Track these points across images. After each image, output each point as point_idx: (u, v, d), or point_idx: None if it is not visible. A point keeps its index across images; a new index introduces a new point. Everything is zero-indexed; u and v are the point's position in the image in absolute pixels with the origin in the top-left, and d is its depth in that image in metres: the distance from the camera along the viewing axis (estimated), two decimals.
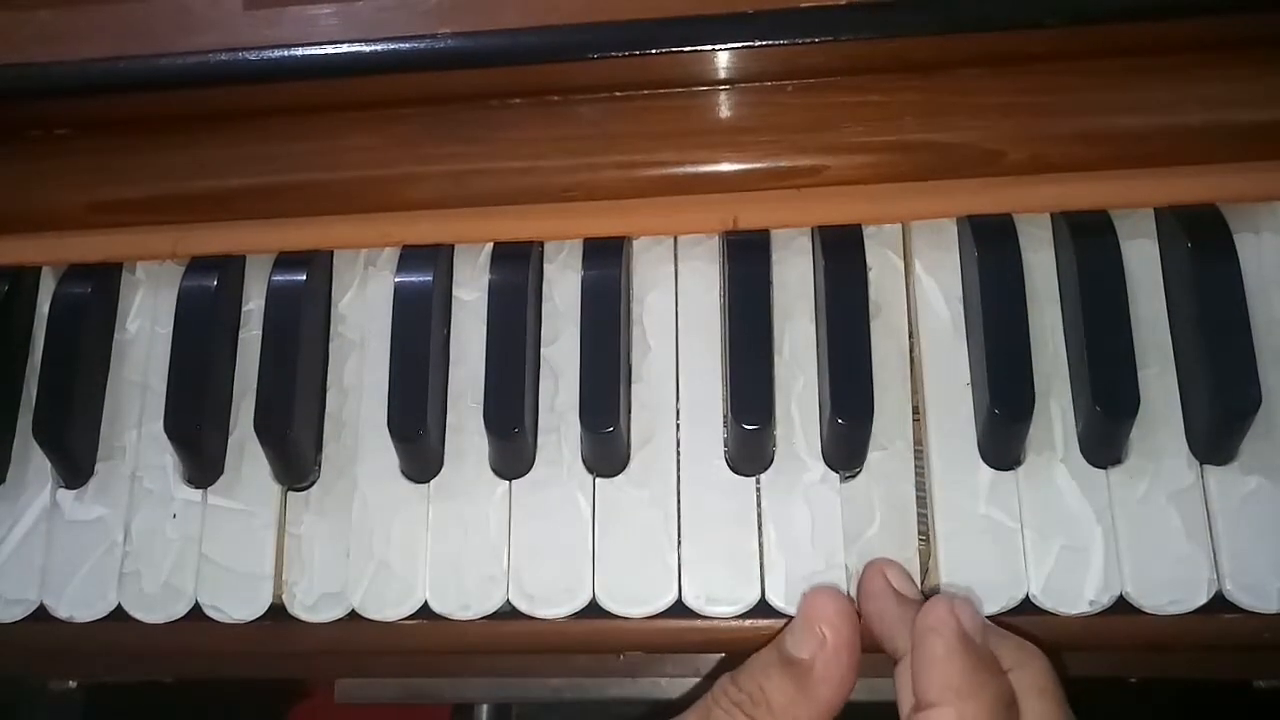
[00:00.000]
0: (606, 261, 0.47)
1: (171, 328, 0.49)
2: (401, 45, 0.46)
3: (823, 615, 0.38)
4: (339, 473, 0.47)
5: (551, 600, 0.44)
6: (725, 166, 0.46)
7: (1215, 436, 0.43)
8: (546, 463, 0.46)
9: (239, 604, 0.46)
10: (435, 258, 0.48)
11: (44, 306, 0.51)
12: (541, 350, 0.47)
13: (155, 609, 0.46)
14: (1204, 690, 0.67)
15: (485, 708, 0.68)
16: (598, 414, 0.44)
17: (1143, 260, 0.46)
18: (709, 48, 0.45)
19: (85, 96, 0.48)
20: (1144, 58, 0.45)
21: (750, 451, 0.45)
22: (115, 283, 0.51)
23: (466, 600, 0.45)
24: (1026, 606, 0.43)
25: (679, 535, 0.44)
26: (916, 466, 0.45)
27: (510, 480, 0.46)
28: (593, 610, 0.44)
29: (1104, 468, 0.43)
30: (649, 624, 0.44)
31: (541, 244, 0.49)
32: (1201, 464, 0.43)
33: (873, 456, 0.44)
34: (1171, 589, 0.42)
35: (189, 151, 0.49)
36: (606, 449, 0.45)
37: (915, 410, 0.45)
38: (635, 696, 0.53)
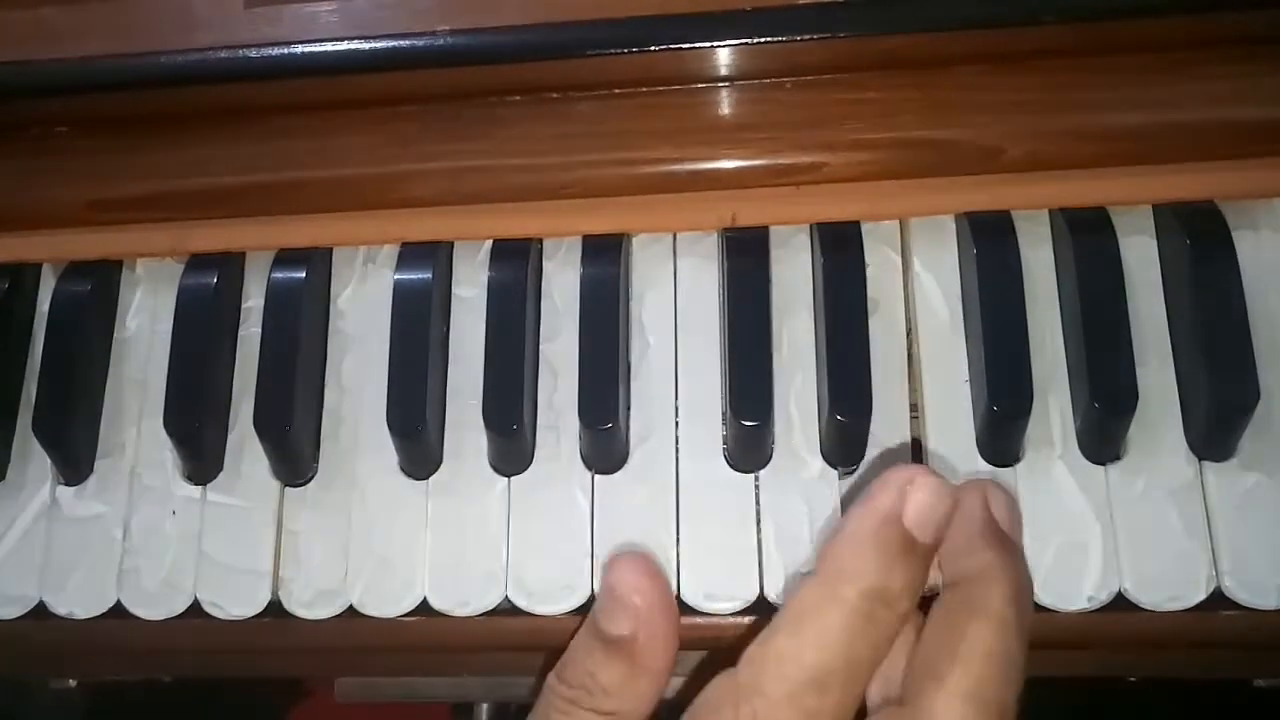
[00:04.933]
0: (605, 259, 0.47)
1: (170, 325, 0.49)
2: (401, 43, 0.46)
3: (629, 583, 0.35)
4: (336, 469, 0.47)
5: (550, 597, 0.44)
6: (724, 164, 0.47)
7: (1214, 433, 0.43)
8: (545, 460, 0.46)
9: (238, 601, 0.46)
10: (434, 255, 0.48)
11: (44, 304, 0.51)
12: (540, 347, 0.47)
13: (155, 605, 0.46)
14: (1203, 689, 0.67)
15: (485, 707, 0.68)
16: (596, 411, 0.44)
17: (1141, 257, 0.46)
18: (707, 45, 0.45)
19: (85, 94, 0.48)
20: (1143, 55, 0.45)
21: (749, 448, 0.45)
22: (115, 280, 0.51)
23: (465, 597, 0.45)
24: None
25: (677, 532, 0.44)
26: (915, 462, 0.45)
27: (509, 477, 0.46)
28: (592, 607, 0.44)
29: (1103, 464, 0.43)
30: None
31: (540, 241, 0.49)
32: (1200, 461, 0.43)
33: (872, 453, 0.44)
34: (1170, 586, 0.42)
35: (189, 149, 0.49)
36: (605, 446, 0.45)
37: (914, 408, 0.46)
38: None
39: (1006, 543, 0.35)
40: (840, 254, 0.46)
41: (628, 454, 0.46)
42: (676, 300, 0.47)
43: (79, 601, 0.47)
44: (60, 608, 0.47)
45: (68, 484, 0.48)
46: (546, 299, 0.48)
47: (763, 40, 0.44)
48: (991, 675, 0.32)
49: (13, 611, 0.47)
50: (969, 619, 0.33)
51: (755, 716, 0.32)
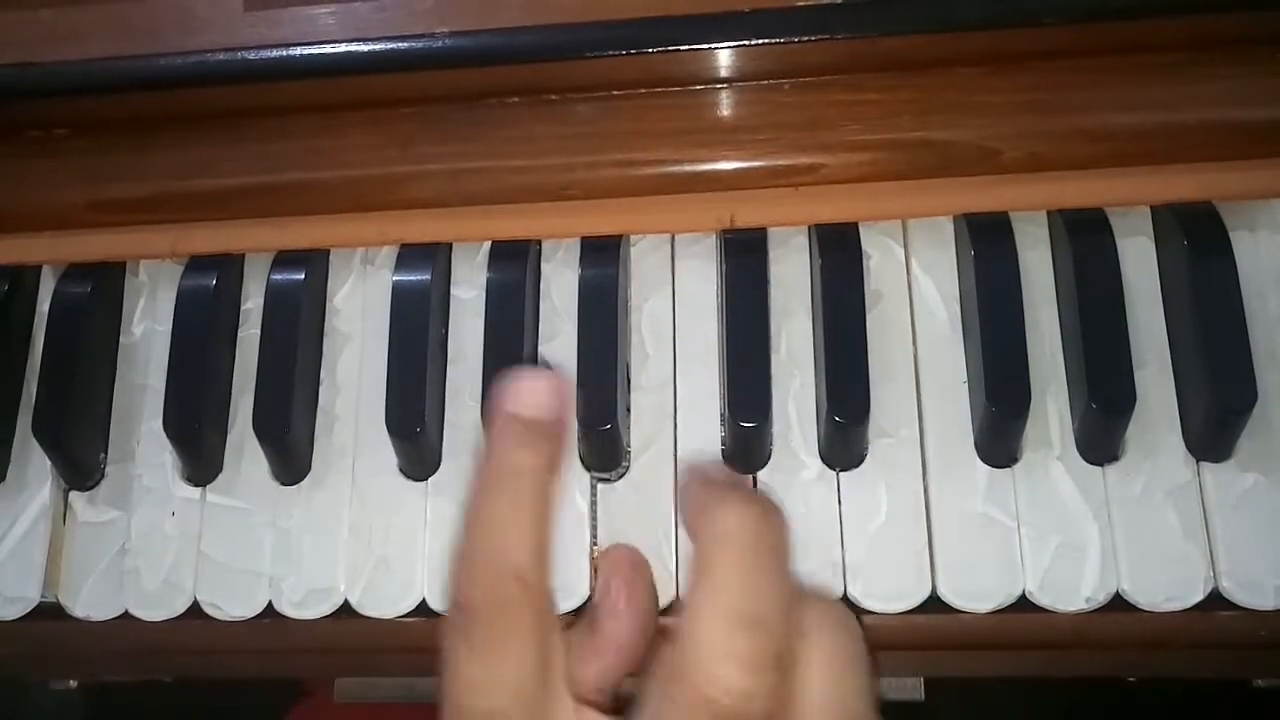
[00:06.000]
0: (604, 260, 0.47)
1: (170, 326, 0.49)
2: (400, 45, 0.46)
3: (608, 564, 0.41)
4: (329, 467, 0.47)
5: None
6: (723, 165, 0.47)
7: (1211, 434, 0.43)
8: None
9: (237, 601, 0.46)
10: (433, 256, 0.48)
11: (44, 305, 0.51)
12: (539, 349, 0.47)
13: (155, 606, 0.46)
14: (1202, 690, 0.67)
15: None
16: (595, 411, 0.44)
17: (1139, 258, 0.46)
18: (706, 46, 0.45)
19: (86, 96, 0.48)
20: (1141, 56, 0.45)
21: (747, 449, 0.45)
22: (115, 282, 0.51)
23: None
24: (1023, 604, 0.43)
25: (675, 532, 0.44)
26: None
27: None
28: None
29: (1101, 465, 0.44)
30: None
31: (539, 242, 0.49)
32: (1198, 461, 0.43)
33: (878, 444, 0.44)
34: (1168, 586, 0.42)
35: (188, 151, 0.50)
36: (604, 447, 0.45)
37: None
38: (633, 694, 0.53)
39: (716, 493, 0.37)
40: (839, 255, 0.46)
41: (626, 455, 0.46)
42: (675, 301, 0.48)
43: (94, 605, 0.47)
44: (77, 610, 0.47)
45: (78, 488, 0.48)
46: (545, 300, 0.48)
47: (761, 42, 0.44)
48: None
49: (13, 611, 0.47)
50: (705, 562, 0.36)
51: (472, 597, 0.37)
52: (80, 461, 0.48)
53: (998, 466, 0.44)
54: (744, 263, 0.47)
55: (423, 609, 0.45)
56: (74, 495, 0.48)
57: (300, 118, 0.49)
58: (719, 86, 0.47)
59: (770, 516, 0.37)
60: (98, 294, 0.50)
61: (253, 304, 0.50)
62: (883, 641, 0.44)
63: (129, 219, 0.50)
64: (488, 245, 0.49)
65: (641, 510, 0.45)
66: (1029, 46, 0.45)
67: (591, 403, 0.44)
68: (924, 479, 0.44)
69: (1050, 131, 0.45)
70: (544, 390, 0.41)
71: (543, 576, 0.38)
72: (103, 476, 0.49)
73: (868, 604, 0.43)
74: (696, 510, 0.37)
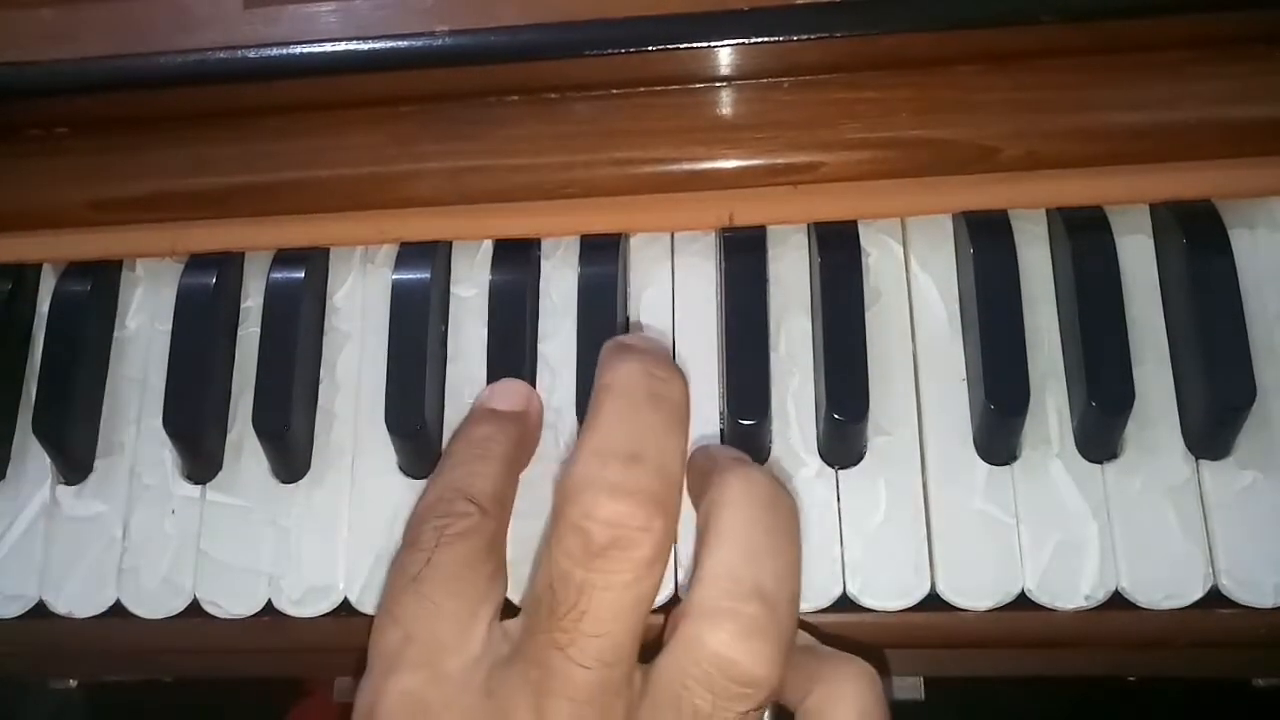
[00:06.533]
0: (603, 259, 0.47)
1: (170, 325, 0.49)
2: (399, 43, 0.46)
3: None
4: (328, 465, 0.47)
5: None
6: (721, 163, 0.47)
7: (1210, 431, 0.43)
8: (543, 459, 0.46)
9: (237, 600, 0.46)
10: (433, 254, 0.48)
11: (44, 304, 0.51)
12: (539, 347, 0.47)
13: (154, 605, 0.46)
14: (1202, 689, 0.67)
15: None
16: None
17: (1138, 256, 0.46)
18: (704, 45, 0.45)
19: (85, 95, 0.48)
20: (1140, 54, 0.45)
21: (746, 447, 0.45)
22: (115, 280, 0.51)
23: None
24: (1022, 601, 0.43)
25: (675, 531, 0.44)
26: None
27: None
28: None
29: (1099, 463, 0.44)
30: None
31: (539, 241, 0.49)
32: (1197, 459, 0.43)
33: (877, 442, 0.44)
34: (1167, 584, 0.42)
35: (188, 149, 0.49)
36: None
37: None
38: None
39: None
40: (837, 253, 0.46)
41: None
42: (674, 300, 0.48)
43: (78, 601, 0.47)
44: (59, 607, 0.47)
45: (68, 483, 0.49)
46: (545, 298, 0.48)
47: (760, 40, 0.44)
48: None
49: (13, 611, 0.47)
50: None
51: (422, 507, 0.40)
52: (81, 459, 0.48)
53: (997, 464, 0.44)
54: (743, 261, 0.47)
55: None
56: (60, 489, 0.48)
57: (299, 116, 0.49)
58: (718, 85, 0.47)
59: (659, 374, 0.38)
60: (98, 292, 0.50)
61: (253, 302, 0.50)
62: (882, 640, 0.44)
63: (129, 218, 0.50)
64: (488, 244, 0.49)
65: None
66: (1028, 45, 0.45)
67: None
68: (923, 476, 0.44)
69: (1049, 130, 0.45)
70: (514, 390, 0.45)
71: (497, 512, 0.40)
72: (90, 470, 0.49)
73: (867, 601, 0.43)
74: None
